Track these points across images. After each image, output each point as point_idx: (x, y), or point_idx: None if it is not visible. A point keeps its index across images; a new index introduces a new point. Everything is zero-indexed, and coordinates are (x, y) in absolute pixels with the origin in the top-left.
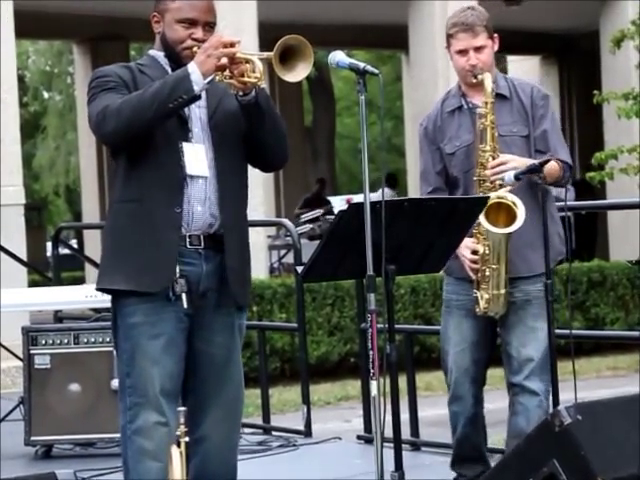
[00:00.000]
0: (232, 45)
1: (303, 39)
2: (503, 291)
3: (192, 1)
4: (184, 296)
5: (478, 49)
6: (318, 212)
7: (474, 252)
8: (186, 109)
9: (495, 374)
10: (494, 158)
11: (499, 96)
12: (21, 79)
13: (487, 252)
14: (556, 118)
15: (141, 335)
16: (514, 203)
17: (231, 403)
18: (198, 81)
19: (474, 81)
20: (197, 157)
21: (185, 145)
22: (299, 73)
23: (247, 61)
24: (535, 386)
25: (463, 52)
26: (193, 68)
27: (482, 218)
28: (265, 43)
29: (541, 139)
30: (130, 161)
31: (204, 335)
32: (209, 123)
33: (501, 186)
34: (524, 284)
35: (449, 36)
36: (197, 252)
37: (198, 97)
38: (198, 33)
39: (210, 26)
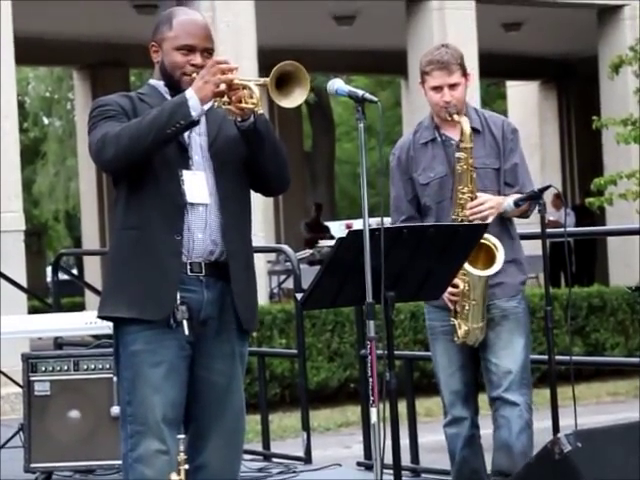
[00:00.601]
0: (230, 71)
1: (299, 65)
2: (482, 324)
3: (189, 28)
4: (185, 323)
5: (452, 86)
6: (308, 252)
7: (453, 285)
8: (186, 137)
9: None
10: (472, 199)
11: (472, 130)
12: (21, 105)
13: (467, 288)
14: (523, 152)
15: (142, 363)
16: (495, 245)
17: (232, 431)
18: (196, 107)
19: (448, 118)
20: (197, 185)
21: (185, 173)
22: (296, 99)
23: (244, 87)
24: (514, 397)
25: (438, 89)
26: (191, 94)
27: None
28: (264, 68)
29: (511, 172)
30: (131, 188)
31: (204, 362)
32: (209, 150)
33: None
34: (500, 301)
35: (424, 73)
36: (198, 279)
37: (196, 123)
38: (196, 59)
39: (208, 52)
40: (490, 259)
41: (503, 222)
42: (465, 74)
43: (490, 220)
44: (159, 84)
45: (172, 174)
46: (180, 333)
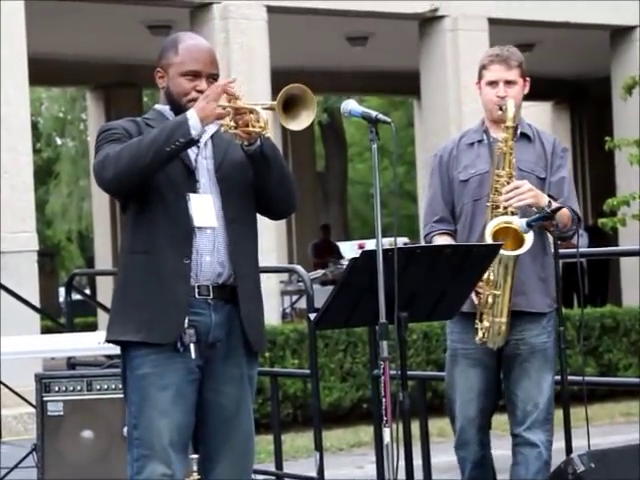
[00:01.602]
0: (232, 94)
1: (306, 88)
2: (504, 319)
3: (195, 54)
4: (192, 347)
5: (509, 83)
6: (320, 272)
7: None
8: (193, 160)
9: (505, 419)
10: (509, 184)
11: (524, 136)
12: (34, 125)
13: (491, 277)
14: (571, 172)
15: (150, 386)
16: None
17: (240, 454)
18: (196, 126)
19: (500, 113)
20: (205, 208)
21: (192, 196)
22: (303, 121)
23: (251, 111)
24: (536, 437)
25: (494, 84)
26: (192, 114)
27: (490, 240)
28: (277, 89)
29: (556, 185)
30: (139, 212)
31: (213, 385)
32: (216, 174)
33: (513, 213)
34: (529, 336)
35: (482, 67)
36: (206, 302)
37: (195, 142)
38: (202, 85)
39: (213, 77)
40: (518, 243)
41: (540, 235)
42: (524, 77)
43: (524, 203)
44: (165, 109)
45: (179, 197)
46: (187, 357)
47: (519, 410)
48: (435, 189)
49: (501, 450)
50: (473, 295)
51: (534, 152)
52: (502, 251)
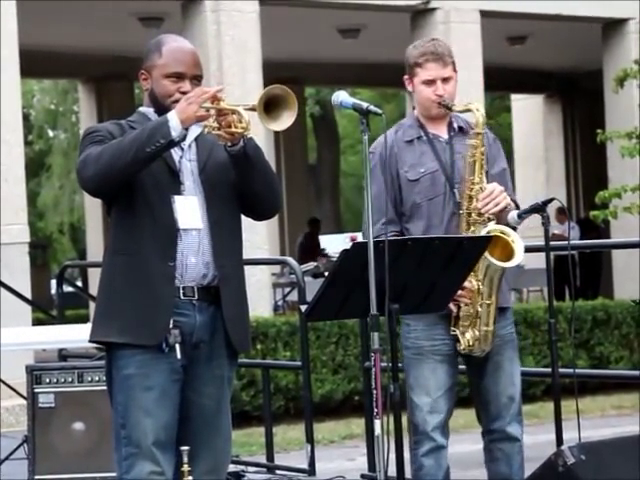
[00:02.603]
0: (216, 97)
1: (287, 89)
2: (491, 327)
3: (179, 56)
4: (178, 347)
5: (445, 80)
6: (312, 264)
7: (461, 288)
8: (177, 162)
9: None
10: (483, 190)
11: (460, 129)
12: (26, 117)
13: (481, 287)
14: (505, 161)
15: (135, 387)
16: (511, 238)
17: (219, 455)
18: (176, 127)
19: (442, 112)
20: (190, 209)
21: (177, 198)
22: (284, 122)
23: (233, 112)
24: (516, 431)
25: (430, 82)
26: (172, 115)
27: (486, 253)
28: (270, 82)
29: (499, 177)
30: (123, 214)
31: (195, 386)
32: (200, 176)
33: (489, 219)
34: (498, 328)
35: (415, 65)
36: (191, 303)
37: (176, 143)
38: (186, 86)
39: (197, 79)
40: (506, 254)
41: None
42: (455, 70)
43: (500, 207)
44: (149, 111)
45: (164, 200)
46: (172, 357)
47: (493, 405)
48: (379, 188)
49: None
50: (452, 306)
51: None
52: (497, 262)
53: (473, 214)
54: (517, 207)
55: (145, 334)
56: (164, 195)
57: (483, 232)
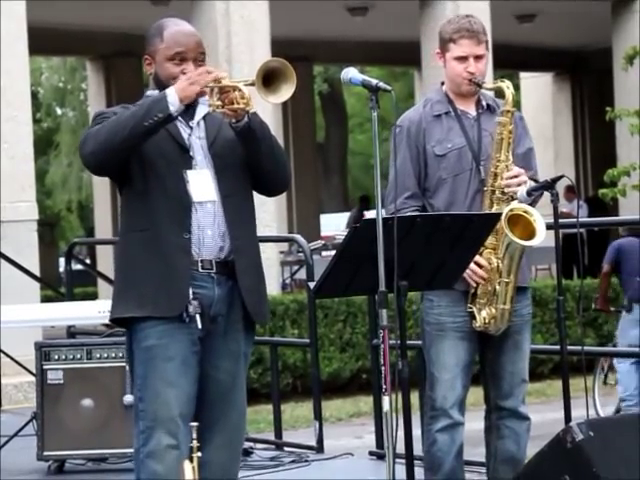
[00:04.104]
0: (216, 79)
1: (284, 61)
2: (508, 306)
3: (180, 38)
4: (198, 317)
5: (478, 58)
6: (320, 242)
7: (478, 265)
8: (186, 140)
9: None
10: (508, 169)
11: (488, 107)
12: (34, 95)
13: (500, 265)
14: (532, 139)
15: (156, 357)
16: (535, 220)
17: (234, 430)
18: (174, 102)
19: (472, 89)
20: (203, 183)
21: (190, 172)
22: (283, 95)
23: (235, 89)
24: (526, 410)
25: (463, 59)
26: (171, 91)
27: (507, 230)
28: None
29: (524, 157)
30: (135, 192)
31: (211, 360)
32: (210, 151)
33: (512, 198)
34: (519, 307)
35: (449, 40)
36: (210, 276)
37: (174, 118)
38: (189, 68)
39: (201, 59)
40: (527, 233)
41: None
42: (488, 48)
43: (522, 190)
44: (155, 94)
45: (176, 175)
46: (192, 328)
47: (506, 383)
48: (404, 162)
49: None
50: (471, 282)
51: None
52: (519, 240)
53: (497, 192)
54: (542, 188)
55: (164, 305)
56: (176, 170)
57: (506, 210)
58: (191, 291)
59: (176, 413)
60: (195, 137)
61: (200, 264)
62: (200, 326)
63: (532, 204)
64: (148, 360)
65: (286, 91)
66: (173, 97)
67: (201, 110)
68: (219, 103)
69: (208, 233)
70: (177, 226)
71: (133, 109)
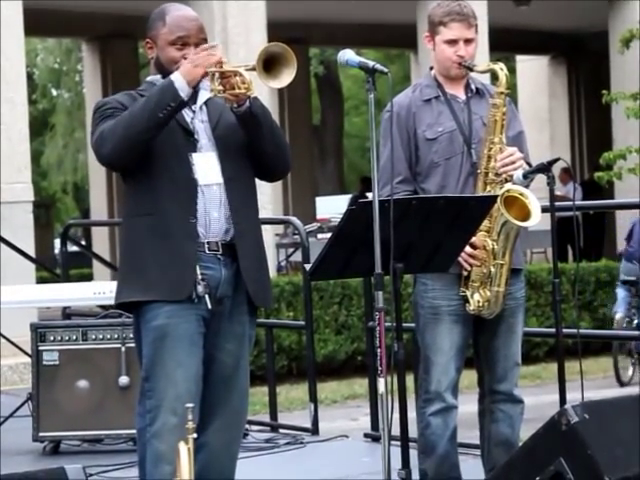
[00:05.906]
0: (219, 62)
1: (285, 46)
2: (503, 289)
3: (182, 23)
4: (207, 297)
5: (468, 41)
6: (316, 225)
7: (472, 247)
8: (189, 124)
9: None
10: (502, 151)
11: (478, 91)
12: (30, 77)
13: (495, 247)
14: (521, 123)
15: (164, 337)
16: (530, 202)
17: (235, 413)
18: (183, 88)
19: (461, 73)
20: (209, 165)
21: (195, 155)
22: (283, 79)
23: (235, 74)
24: (519, 393)
25: (453, 42)
26: (176, 76)
27: (503, 210)
28: (274, 41)
29: (515, 140)
30: (141, 177)
31: (216, 341)
32: (213, 134)
33: (506, 180)
34: (514, 290)
35: (439, 24)
36: (216, 257)
37: (186, 103)
38: (191, 53)
39: (202, 45)
40: (522, 215)
41: None
42: (477, 32)
43: (518, 172)
44: (156, 79)
45: (181, 158)
46: (200, 308)
47: (500, 366)
48: (395, 147)
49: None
50: (465, 264)
51: (487, 107)
52: (509, 218)
53: (490, 174)
54: (538, 171)
55: (170, 290)
56: (181, 154)
57: (502, 191)
58: (199, 271)
59: (184, 393)
60: (198, 120)
61: (207, 245)
62: (210, 305)
63: (526, 187)
64: (157, 339)
65: (287, 76)
66: (181, 82)
67: (203, 95)
68: (220, 88)
69: (214, 215)
70: (183, 210)
71: (142, 101)
